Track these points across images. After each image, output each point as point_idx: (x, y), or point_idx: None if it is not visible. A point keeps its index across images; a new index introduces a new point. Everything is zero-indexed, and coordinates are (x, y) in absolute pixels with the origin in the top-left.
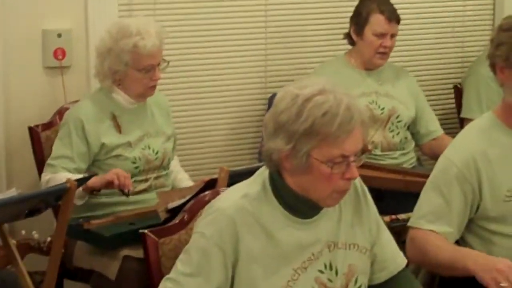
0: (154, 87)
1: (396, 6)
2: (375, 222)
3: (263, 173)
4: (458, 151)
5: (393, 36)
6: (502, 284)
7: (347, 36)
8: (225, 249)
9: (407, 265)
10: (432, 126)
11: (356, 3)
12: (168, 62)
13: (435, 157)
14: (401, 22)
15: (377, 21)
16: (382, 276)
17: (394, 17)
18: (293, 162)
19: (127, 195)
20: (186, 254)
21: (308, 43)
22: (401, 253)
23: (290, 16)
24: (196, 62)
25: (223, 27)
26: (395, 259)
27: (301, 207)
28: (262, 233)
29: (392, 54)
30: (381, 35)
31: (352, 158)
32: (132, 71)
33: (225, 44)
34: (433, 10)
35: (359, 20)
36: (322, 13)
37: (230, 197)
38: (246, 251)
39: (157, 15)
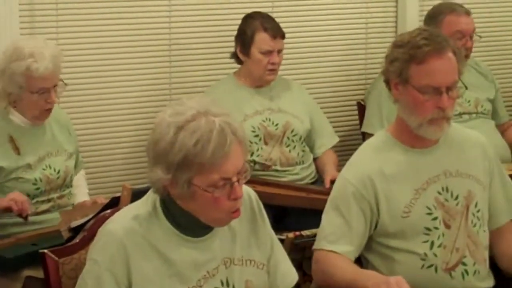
0: (49, 110)
1: (301, 24)
2: (269, 238)
3: (154, 193)
4: (354, 170)
5: (279, 51)
6: None
7: (234, 55)
8: (117, 274)
9: (298, 286)
10: (321, 139)
11: None
12: (66, 84)
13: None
14: (306, 39)
15: (262, 40)
16: None
17: (278, 34)
18: (177, 190)
19: (25, 218)
20: (82, 281)
21: (211, 60)
22: (293, 270)
23: (194, 34)
24: (99, 79)
25: (127, 45)
26: (286, 276)
27: (193, 226)
28: (155, 254)
29: (294, 71)
30: (268, 53)
31: (234, 179)
32: (27, 94)
33: (129, 62)
34: (336, 28)
35: (244, 39)
36: (225, 30)
37: (120, 220)
38: (139, 273)
39: (60, 32)
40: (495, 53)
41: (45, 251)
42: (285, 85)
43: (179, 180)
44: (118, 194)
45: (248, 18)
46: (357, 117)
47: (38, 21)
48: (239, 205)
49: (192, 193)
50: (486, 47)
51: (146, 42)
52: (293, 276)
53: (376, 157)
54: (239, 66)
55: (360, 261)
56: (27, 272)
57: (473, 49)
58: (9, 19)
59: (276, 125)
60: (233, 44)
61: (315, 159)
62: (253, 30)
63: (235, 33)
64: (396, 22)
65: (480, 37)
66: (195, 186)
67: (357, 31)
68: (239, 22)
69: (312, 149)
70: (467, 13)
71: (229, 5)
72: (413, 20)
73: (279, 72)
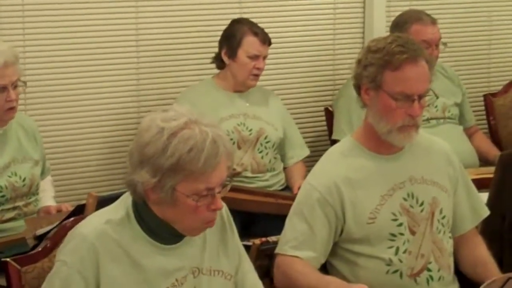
0: (12, 109)
1: (269, 30)
2: (238, 251)
3: (127, 198)
4: (319, 176)
5: (265, 58)
6: None
7: (216, 59)
8: (87, 276)
9: None
10: (292, 150)
11: (223, 27)
12: (25, 82)
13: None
14: (274, 46)
15: (251, 43)
16: None
17: (266, 40)
18: (158, 195)
19: None
20: (49, 282)
21: (179, 67)
22: (259, 282)
23: (161, 40)
24: (67, 85)
25: (94, 49)
26: (253, 287)
27: (165, 234)
28: (125, 259)
29: (264, 77)
30: (255, 57)
31: (217, 190)
32: None
33: (97, 69)
34: (305, 35)
35: (231, 42)
36: (193, 37)
37: (92, 223)
38: (108, 277)
39: (27, 39)
40: (461, 58)
41: (8, 259)
42: (262, 94)
43: (164, 184)
44: (83, 202)
45: (236, 23)
46: (324, 123)
47: (4, 28)
48: (216, 216)
49: (174, 199)
50: (452, 53)
51: (113, 50)
52: (260, 285)
53: (342, 163)
54: (207, 73)
55: (325, 266)
56: None
57: (440, 55)
58: None
59: (250, 130)
60: (201, 51)
61: (284, 168)
62: (242, 33)
63: (203, 40)
64: (363, 29)
65: (445, 45)
66: (179, 192)
67: (325, 38)
68: (207, 30)
69: (283, 159)
70: (433, 22)
71: (197, 12)
72: (379, 28)
73: None
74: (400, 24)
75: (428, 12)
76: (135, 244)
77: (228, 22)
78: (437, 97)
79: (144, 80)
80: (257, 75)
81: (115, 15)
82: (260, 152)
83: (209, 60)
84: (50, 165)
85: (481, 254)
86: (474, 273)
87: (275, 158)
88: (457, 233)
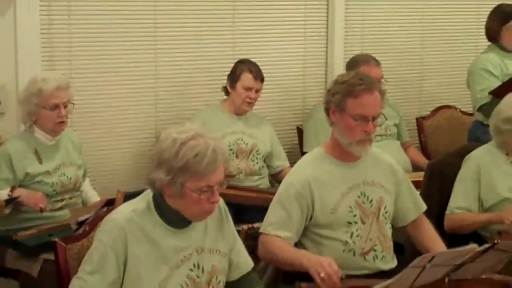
0: (62, 123)
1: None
2: (232, 234)
3: (148, 194)
4: (296, 175)
5: (257, 91)
6: (321, 275)
7: (224, 89)
8: (118, 252)
9: (254, 268)
10: (280, 161)
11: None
12: (74, 104)
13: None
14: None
15: (246, 78)
16: (235, 275)
17: (259, 77)
18: (171, 189)
19: (41, 212)
20: (89, 256)
21: (192, 92)
22: (249, 258)
23: (175, 75)
24: (103, 107)
25: (123, 80)
26: (245, 263)
27: (177, 220)
28: (146, 239)
29: None
30: (248, 89)
31: (216, 187)
32: (41, 110)
33: (124, 96)
34: (282, 72)
35: (233, 77)
36: (202, 71)
37: (122, 211)
38: (133, 253)
39: (73, 68)
40: (400, 90)
41: (56, 240)
42: (258, 120)
43: (176, 181)
44: (113, 197)
45: (239, 63)
46: (296, 138)
47: (55, 60)
48: (214, 207)
49: (183, 193)
50: (393, 86)
51: (136, 81)
52: (250, 263)
53: (314, 167)
54: (216, 97)
55: (296, 245)
56: (45, 256)
57: (385, 87)
58: (32, 60)
59: (246, 144)
60: (208, 78)
61: (272, 175)
62: (241, 71)
63: (209, 73)
64: (325, 67)
65: (386, 81)
66: (187, 188)
67: (297, 74)
68: (212, 66)
69: (270, 167)
70: (377, 64)
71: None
72: (338, 66)
73: None
74: (352, 64)
75: (374, 54)
76: (154, 228)
77: (227, 59)
78: (386, 119)
79: (161, 104)
80: (250, 103)
81: (137, 56)
82: (252, 160)
83: (214, 88)
84: (87, 170)
85: (429, 236)
86: (426, 250)
87: (263, 166)
88: (405, 222)
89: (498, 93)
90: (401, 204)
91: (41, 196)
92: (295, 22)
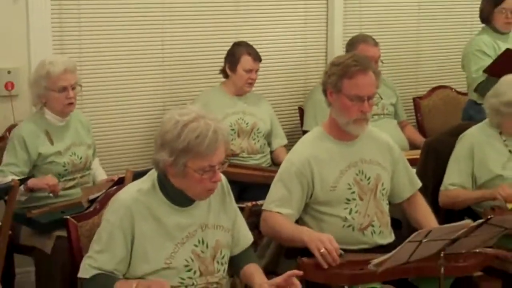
0: (71, 104)
1: (258, 47)
2: (234, 211)
3: (153, 173)
4: (296, 154)
5: (257, 71)
6: (321, 250)
7: (222, 71)
8: (125, 231)
9: (257, 243)
10: (277, 139)
11: (225, 47)
12: (81, 86)
13: (277, 162)
14: (263, 61)
15: (246, 61)
16: (236, 250)
17: (258, 58)
18: (174, 170)
19: (55, 195)
20: (98, 235)
21: (195, 77)
22: (249, 233)
23: (181, 59)
24: (113, 89)
25: (132, 63)
26: (244, 239)
27: (181, 199)
28: (152, 218)
29: (256, 84)
30: (249, 71)
31: (217, 167)
32: (50, 92)
33: (134, 78)
34: (285, 54)
35: (232, 60)
36: (205, 55)
37: (128, 191)
38: (140, 231)
39: (82, 52)
40: (397, 70)
41: (68, 217)
42: (257, 98)
43: (178, 162)
44: (123, 175)
45: (236, 45)
46: (298, 118)
47: (65, 43)
48: (216, 186)
49: (185, 173)
50: (390, 66)
51: (145, 65)
52: (250, 237)
53: (313, 146)
54: (216, 81)
55: (297, 222)
56: (57, 233)
57: (381, 67)
58: (44, 44)
59: (247, 123)
60: (213, 61)
61: (271, 152)
62: (240, 54)
63: (213, 57)
64: (326, 48)
65: (383, 62)
66: (189, 168)
67: (298, 55)
68: (214, 49)
69: (269, 145)
70: (375, 44)
71: (207, 36)
72: (338, 46)
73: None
74: (351, 44)
75: (373, 35)
76: (159, 206)
77: (228, 44)
78: (382, 98)
79: (168, 86)
80: (251, 84)
81: (145, 39)
82: (254, 139)
83: (217, 71)
84: (97, 150)
85: (422, 212)
86: (419, 226)
87: (264, 144)
88: (401, 199)
89: (491, 70)
90: (397, 181)
91: (50, 177)
92: (296, 5)
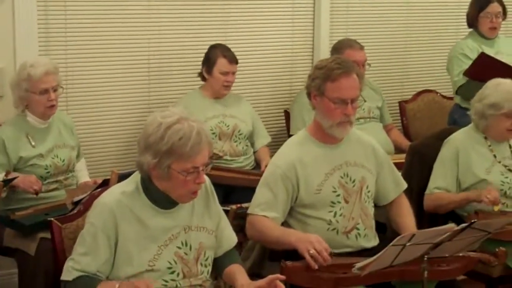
0: (52, 107)
1: (245, 52)
2: (218, 213)
3: (137, 176)
4: (282, 158)
5: (234, 73)
6: (310, 252)
7: (200, 75)
8: (108, 233)
9: (241, 245)
10: (260, 139)
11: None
12: (63, 88)
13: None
14: (246, 62)
15: (221, 63)
16: (219, 252)
17: (234, 60)
18: (158, 172)
19: (36, 194)
20: (81, 238)
21: (184, 76)
22: (233, 235)
23: (166, 64)
24: (98, 91)
25: (117, 67)
26: (228, 241)
27: (164, 201)
28: (136, 220)
29: (238, 86)
30: (225, 73)
31: (201, 168)
32: (31, 95)
33: (119, 81)
34: (271, 57)
35: (208, 63)
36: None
37: (111, 194)
38: (123, 234)
39: (68, 54)
40: (383, 74)
41: (52, 219)
42: (236, 99)
43: (162, 164)
44: (108, 177)
45: (212, 48)
46: (284, 121)
47: (51, 45)
48: (199, 188)
49: (169, 175)
50: (377, 70)
51: (130, 68)
52: (234, 238)
53: (298, 149)
54: (202, 82)
55: (282, 225)
56: (41, 235)
57: (367, 71)
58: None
59: (228, 126)
60: (198, 64)
61: (254, 152)
62: (216, 56)
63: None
64: (312, 52)
65: (369, 65)
66: (173, 170)
67: (285, 58)
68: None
69: (252, 145)
70: (361, 48)
71: (188, 41)
72: (324, 50)
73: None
74: (337, 48)
75: (358, 39)
76: (142, 209)
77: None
78: (365, 101)
79: (154, 88)
80: (228, 86)
81: (130, 42)
82: (235, 141)
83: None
84: (83, 151)
85: (403, 214)
86: (397, 227)
87: (246, 145)
88: (385, 201)
89: (470, 73)
90: (383, 184)
91: (35, 179)
92: (283, 9)
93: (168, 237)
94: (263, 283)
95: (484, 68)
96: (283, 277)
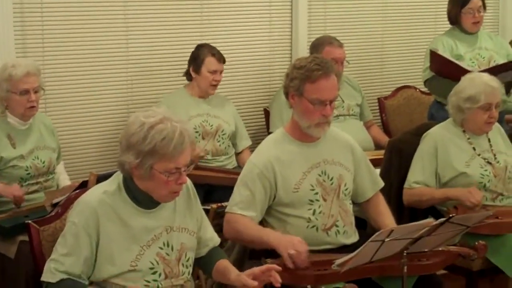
0: (32, 108)
1: (223, 48)
2: (200, 213)
3: (119, 176)
4: (259, 156)
5: (221, 72)
6: (290, 252)
7: (186, 73)
8: (90, 233)
9: (221, 245)
10: (242, 141)
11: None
12: (44, 90)
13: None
14: (228, 63)
15: (210, 62)
16: (204, 251)
17: (222, 59)
18: (140, 172)
19: (18, 207)
20: (63, 238)
21: (159, 80)
22: (215, 234)
23: (146, 60)
24: (76, 92)
25: (95, 67)
26: (212, 239)
27: (146, 201)
28: (118, 220)
29: (221, 87)
30: (214, 72)
31: (183, 169)
32: (12, 95)
33: (97, 81)
34: (250, 56)
35: (197, 62)
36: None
37: (93, 193)
38: (105, 233)
39: (45, 55)
40: (362, 71)
41: (30, 221)
42: (220, 99)
43: (144, 164)
44: (86, 179)
45: (200, 47)
46: (263, 119)
47: (28, 47)
48: (181, 188)
49: (151, 175)
50: (355, 67)
51: (109, 68)
52: (217, 239)
53: (276, 148)
54: (184, 82)
55: (261, 223)
56: (21, 238)
57: (346, 68)
58: (6, 47)
59: (211, 125)
60: (177, 64)
61: (237, 154)
62: (204, 55)
63: (177, 60)
64: (290, 50)
65: (348, 63)
66: (155, 170)
67: (263, 57)
68: (179, 52)
69: (234, 146)
70: (340, 45)
71: (171, 39)
72: (302, 48)
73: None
74: (316, 46)
75: (337, 37)
76: (124, 209)
77: (192, 47)
78: (343, 101)
79: (133, 89)
80: (215, 85)
81: (108, 42)
82: (218, 141)
83: (181, 74)
84: (62, 153)
85: (382, 213)
86: (377, 225)
87: (229, 145)
88: (363, 199)
89: (432, 68)
90: (360, 181)
91: (17, 188)
92: (261, 7)
93: (151, 237)
94: (258, 271)
95: (441, 65)
96: (279, 268)
